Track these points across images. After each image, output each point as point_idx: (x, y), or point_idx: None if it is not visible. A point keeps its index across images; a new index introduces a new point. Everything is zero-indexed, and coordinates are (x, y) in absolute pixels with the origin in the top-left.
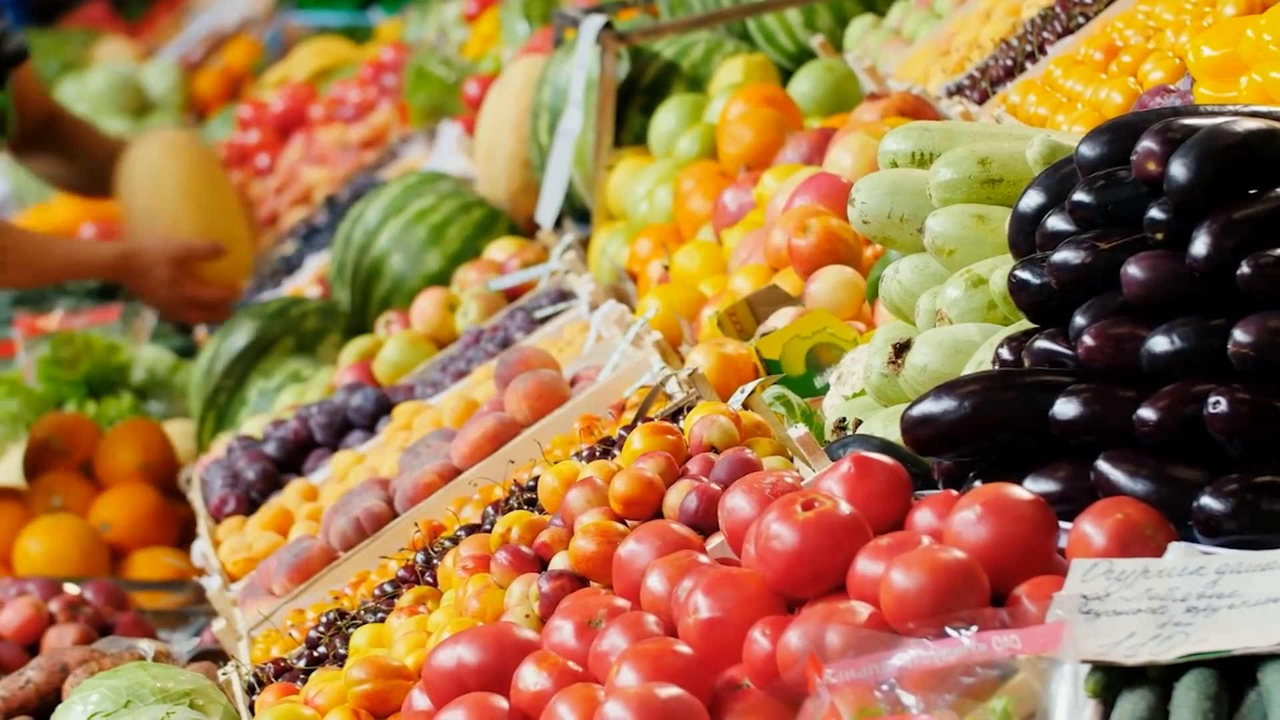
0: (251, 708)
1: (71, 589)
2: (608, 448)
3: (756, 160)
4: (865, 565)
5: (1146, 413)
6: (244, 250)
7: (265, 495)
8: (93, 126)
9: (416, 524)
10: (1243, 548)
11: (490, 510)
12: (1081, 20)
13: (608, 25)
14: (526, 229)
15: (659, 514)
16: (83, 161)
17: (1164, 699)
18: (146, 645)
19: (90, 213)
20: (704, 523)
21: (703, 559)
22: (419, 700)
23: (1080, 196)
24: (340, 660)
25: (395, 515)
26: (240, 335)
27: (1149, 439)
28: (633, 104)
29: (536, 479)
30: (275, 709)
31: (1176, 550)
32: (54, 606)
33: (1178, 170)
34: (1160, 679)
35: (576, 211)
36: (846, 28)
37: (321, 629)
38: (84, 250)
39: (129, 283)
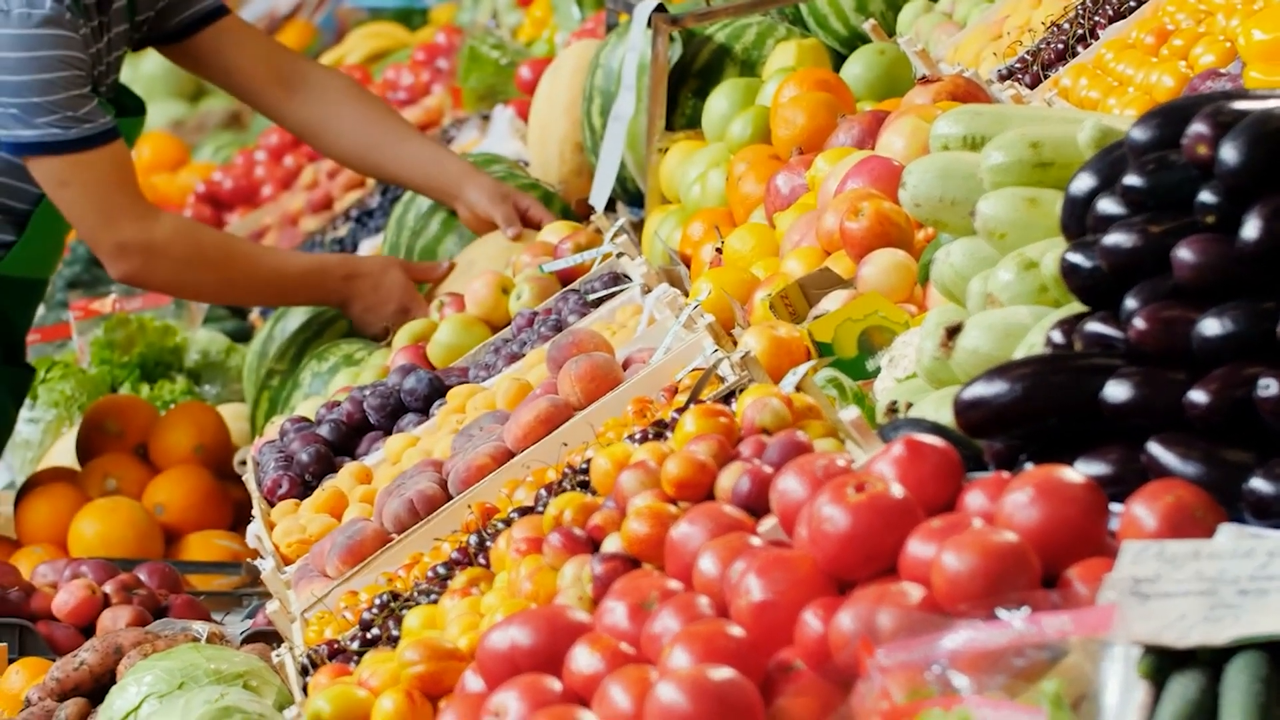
0: (305, 689)
1: (126, 571)
2: (660, 430)
3: (809, 143)
4: (917, 547)
5: (1197, 395)
6: None
7: (319, 478)
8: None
9: (470, 506)
10: None
11: (543, 492)
12: (1133, 4)
13: (660, 9)
14: (580, 212)
15: (711, 496)
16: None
17: (1215, 681)
18: (200, 627)
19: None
20: (756, 505)
21: (755, 541)
22: (472, 682)
23: (1131, 180)
24: (393, 642)
25: (449, 498)
26: (294, 317)
27: (1200, 421)
28: (685, 87)
29: (589, 461)
30: (329, 690)
31: (1227, 532)
32: (109, 588)
33: (1228, 153)
34: (1211, 661)
35: (630, 195)
36: (899, 12)
37: (375, 611)
38: (316, 263)
39: (356, 298)
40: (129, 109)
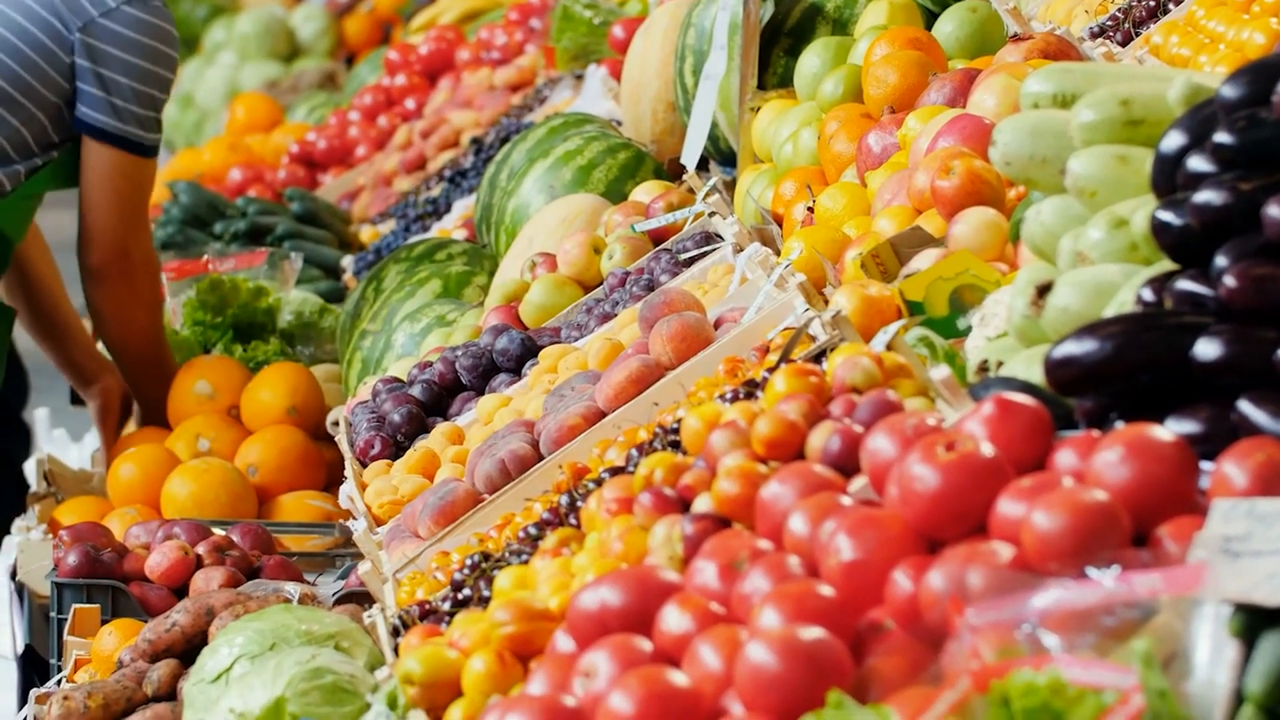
0: (396, 650)
1: (219, 532)
2: (751, 390)
3: (900, 102)
4: (1007, 506)
5: None
6: None
7: (411, 438)
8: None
9: (561, 466)
10: None
11: (634, 452)
12: None
13: None
14: (672, 172)
15: (801, 456)
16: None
17: None
18: (292, 588)
19: (238, 156)
20: (846, 464)
21: (845, 500)
22: (563, 642)
23: (1222, 137)
24: (484, 603)
25: (540, 458)
26: (387, 279)
27: None
28: (777, 46)
29: (680, 421)
30: (419, 651)
31: None
32: (201, 549)
33: None
34: None
35: (722, 154)
36: None
37: (466, 571)
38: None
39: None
40: None
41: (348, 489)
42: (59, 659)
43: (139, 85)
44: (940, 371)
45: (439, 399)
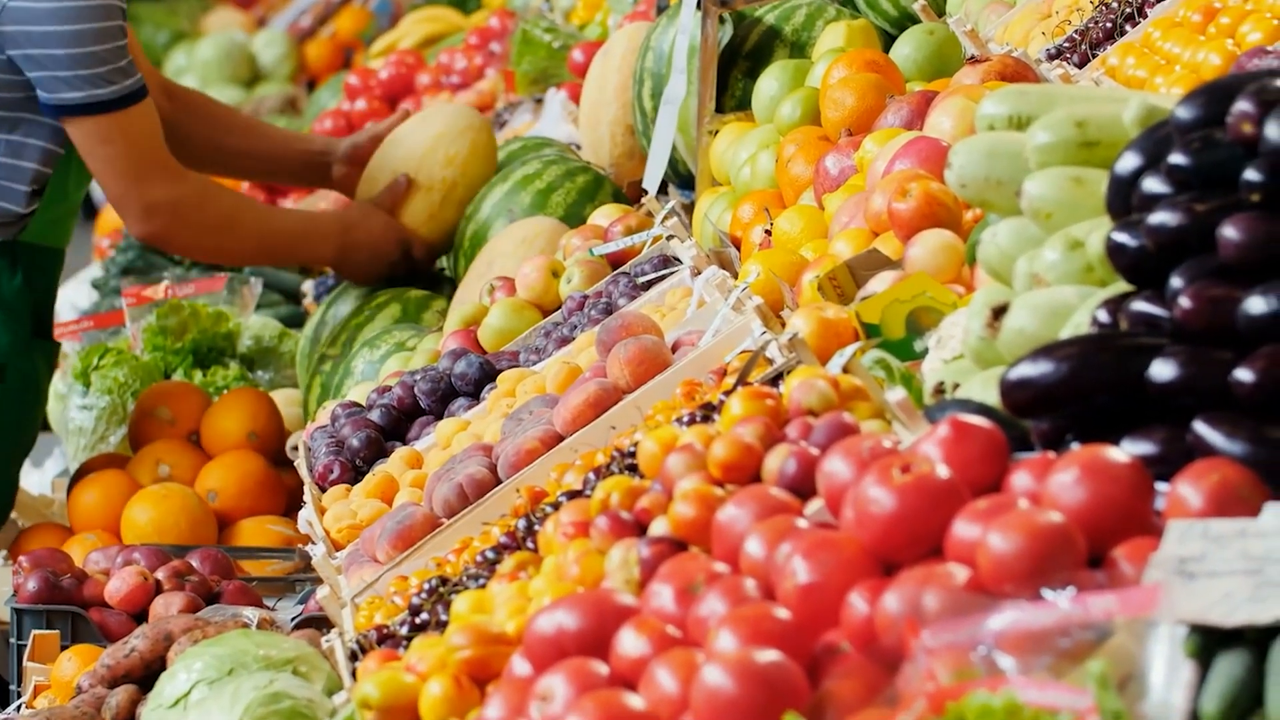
0: (354, 674)
1: (178, 558)
2: (708, 413)
3: (858, 124)
4: (962, 528)
5: (1243, 374)
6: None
7: (370, 463)
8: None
9: (519, 490)
10: None
11: (591, 476)
12: None
13: None
14: (631, 195)
15: (758, 478)
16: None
17: (1261, 660)
18: (251, 613)
19: None
20: (802, 487)
21: (801, 523)
22: (520, 666)
23: (1177, 159)
24: (442, 627)
25: (498, 482)
26: (346, 303)
27: (1246, 400)
28: (735, 69)
29: (637, 444)
30: (377, 675)
31: (1273, 511)
32: (161, 575)
33: (1273, 131)
34: (1257, 640)
35: (681, 177)
36: None
37: (424, 596)
38: (311, 219)
39: (353, 251)
40: None
41: (307, 514)
42: (19, 685)
43: (74, 50)
44: (896, 394)
45: (398, 423)
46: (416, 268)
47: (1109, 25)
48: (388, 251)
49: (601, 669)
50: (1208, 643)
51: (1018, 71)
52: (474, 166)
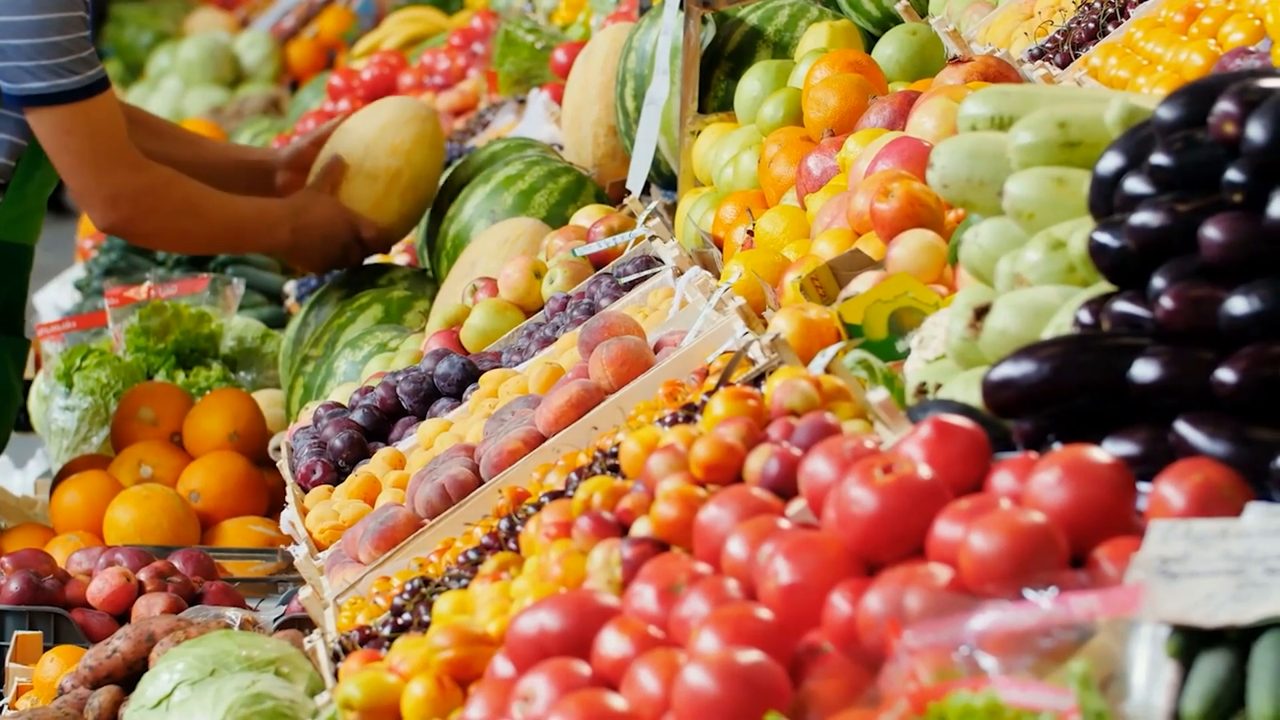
0: (336, 675)
1: (161, 559)
2: (690, 413)
3: (840, 125)
4: (944, 528)
5: (1225, 374)
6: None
7: (352, 463)
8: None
9: (501, 491)
10: None
11: (574, 476)
12: None
13: None
14: (613, 195)
15: (740, 479)
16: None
17: (1243, 660)
18: (233, 614)
19: None
20: (784, 487)
21: (783, 523)
22: (502, 667)
23: (1158, 159)
24: (424, 627)
25: (481, 482)
26: (329, 304)
27: (1228, 400)
28: (718, 70)
29: (619, 445)
30: (359, 676)
31: (1255, 511)
32: (143, 576)
33: (1255, 131)
34: (1239, 640)
35: (663, 178)
36: None
37: (406, 596)
38: (262, 206)
39: (306, 234)
40: None
41: (289, 514)
42: (1, 686)
43: (38, 39)
44: (878, 394)
45: (380, 424)
46: (368, 249)
47: (1091, 25)
48: (338, 233)
49: (583, 669)
50: (1190, 643)
51: (1000, 72)
52: (419, 155)
